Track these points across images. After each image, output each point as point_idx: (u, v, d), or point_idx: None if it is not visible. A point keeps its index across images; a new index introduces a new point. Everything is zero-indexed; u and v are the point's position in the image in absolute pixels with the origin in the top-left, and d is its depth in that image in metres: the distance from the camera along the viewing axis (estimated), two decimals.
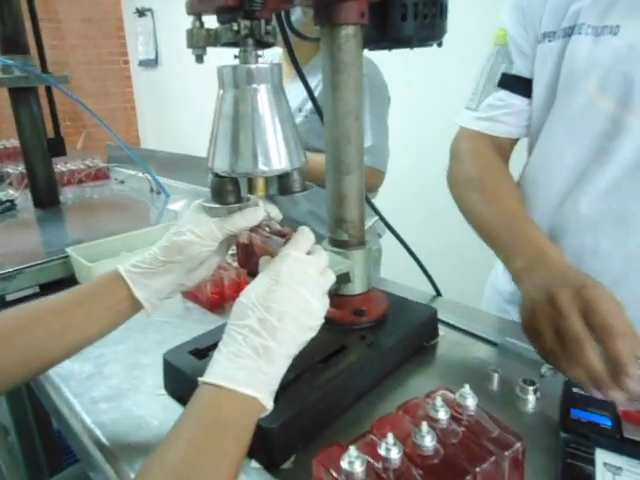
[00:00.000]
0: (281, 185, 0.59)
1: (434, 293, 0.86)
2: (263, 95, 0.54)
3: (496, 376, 0.59)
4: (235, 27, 0.52)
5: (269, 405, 0.40)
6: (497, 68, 0.81)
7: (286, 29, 0.67)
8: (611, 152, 0.66)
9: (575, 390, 0.54)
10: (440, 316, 0.72)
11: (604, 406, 0.51)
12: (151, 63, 4.06)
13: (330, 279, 0.49)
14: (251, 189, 0.57)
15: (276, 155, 0.54)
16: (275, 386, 0.42)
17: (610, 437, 0.47)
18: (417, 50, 0.70)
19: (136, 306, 0.52)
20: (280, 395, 0.51)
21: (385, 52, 0.71)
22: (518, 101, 0.79)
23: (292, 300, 0.44)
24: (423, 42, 0.68)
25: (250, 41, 0.54)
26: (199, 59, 0.57)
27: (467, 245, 1.04)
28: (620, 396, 0.45)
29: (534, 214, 0.78)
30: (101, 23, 4.30)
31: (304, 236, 0.50)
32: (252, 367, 0.40)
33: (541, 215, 0.77)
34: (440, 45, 0.69)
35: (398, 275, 0.94)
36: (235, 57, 0.56)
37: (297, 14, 1.18)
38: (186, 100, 3.75)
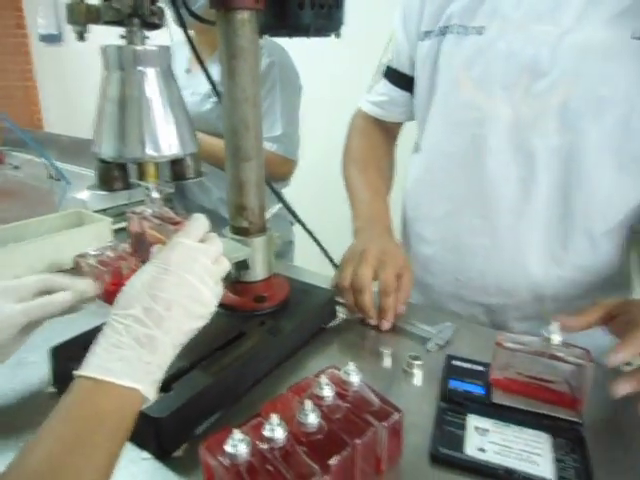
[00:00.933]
0: (174, 171, 0.58)
1: None
2: (151, 78, 0.52)
3: (387, 353, 0.63)
4: (116, 5, 0.50)
5: (151, 395, 0.40)
6: (385, 59, 0.90)
7: (180, 11, 0.65)
8: (482, 139, 0.73)
9: (455, 363, 0.59)
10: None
11: (478, 376, 0.56)
12: (54, 39, 3.73)
13: (224, 267, 0.49)
14: (141, 175, 0.55)
15: (166, 140, 0.53)
16: (159, 375, 0.41)
17: (481, 403, 0.52)
18: (326, 43, 0.72)
19: None
20: (173, 384, 0.50)
21: (297, 45, 0.72)
22: (395, 92, 0.90)
23: (181, 288, 0.43)
24: (320, 32, 0.69)
25: (136, 21, 0.52)
26: (80, 37, 0.53)
27: None
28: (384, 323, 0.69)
29: (426, 197, 0.86)
30: None
31: (197, 224, 0.49)
32: (132, 357, 0.39)
33: (430, 198, 0.85)
34: (338, 36, 0.71)
35: (314, 263, 0.96)
36: (121, 37, 0.54)
37: None
38: (95, 81, 3.50)
